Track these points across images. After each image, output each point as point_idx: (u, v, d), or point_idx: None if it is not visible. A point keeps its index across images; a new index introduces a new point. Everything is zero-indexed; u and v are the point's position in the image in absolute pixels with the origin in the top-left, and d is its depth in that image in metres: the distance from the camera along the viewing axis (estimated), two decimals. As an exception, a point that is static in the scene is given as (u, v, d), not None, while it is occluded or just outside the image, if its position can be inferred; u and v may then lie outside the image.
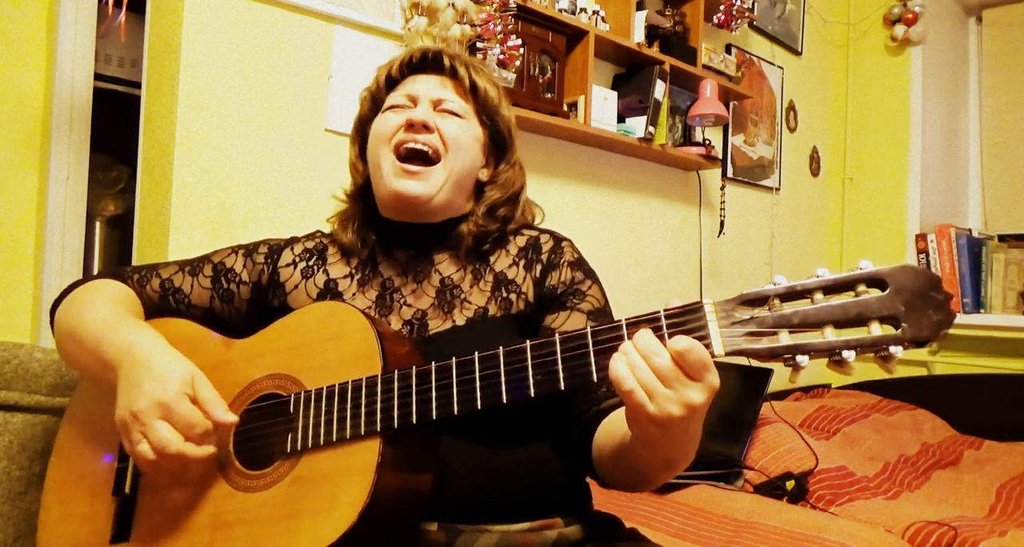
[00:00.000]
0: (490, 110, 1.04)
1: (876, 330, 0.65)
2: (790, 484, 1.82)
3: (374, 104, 1.07)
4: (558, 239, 1.04)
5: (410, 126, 0.98)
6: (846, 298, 0.67)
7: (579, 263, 1.02)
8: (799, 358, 0.67)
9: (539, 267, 1.00)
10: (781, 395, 2.74)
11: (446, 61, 1.03)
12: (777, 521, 1.55)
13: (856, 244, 3.34)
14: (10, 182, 1.65)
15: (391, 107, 1.02)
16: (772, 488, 1.83)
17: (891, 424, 2.46)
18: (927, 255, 3.06)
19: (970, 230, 3.16)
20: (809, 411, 2.43)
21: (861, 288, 0.66)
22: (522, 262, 1.01)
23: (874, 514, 1.70)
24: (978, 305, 3.04)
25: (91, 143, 1.72)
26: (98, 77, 1.84)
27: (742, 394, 2.11)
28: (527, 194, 1.10)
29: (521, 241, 1.04)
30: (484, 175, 1.06)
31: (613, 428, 0.88)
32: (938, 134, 3.29)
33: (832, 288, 0.67)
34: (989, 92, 3.43)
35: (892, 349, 0.65)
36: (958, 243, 3.01)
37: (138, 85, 1.64)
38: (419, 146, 0.98)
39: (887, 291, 0.66)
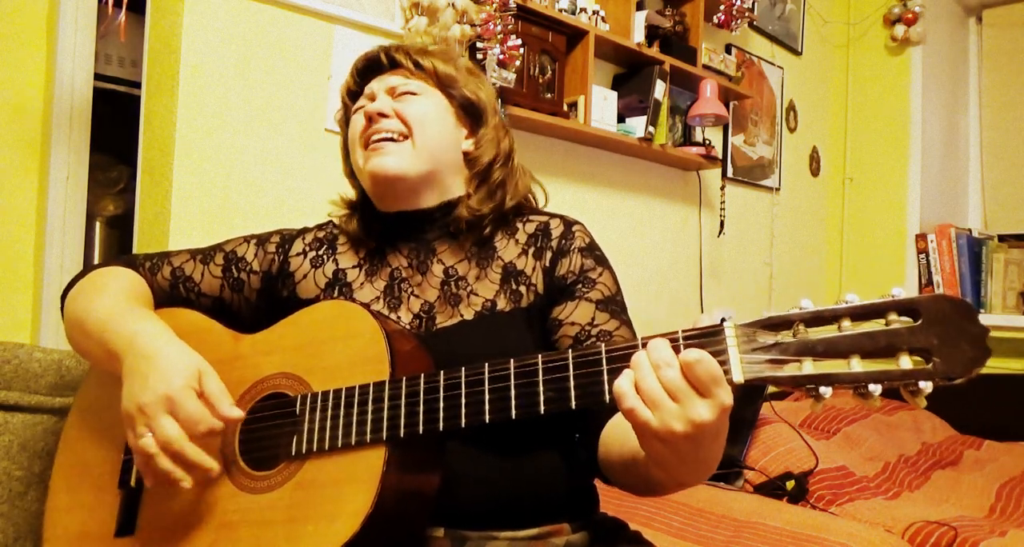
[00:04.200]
0: (447, 82, 1.03)
1: (905, 363, 0.62)
2: (790, 484, 1.82)
3: (348, 122, 1.08)
4: (569, 223, 1.01)
5: (369, 120, 0.99)
6: (875, 326, 0.63)
7: (590, 249, 1.00)
8: (823, 389, 0.63)
9: (549, 254, 0.98)
10: (781, 395, 2.74)
11: (383, 57, 1.03)
12: (777, 521, 1.55)
13: (856, 244, 3.34)
14: (10, 182, 1.65)
15: (355, 111, 1.04)
16: (772, 488, 1.83)
17: (891, 424, 2.46)
18: (927, 255, 3.06)
19: (970, 230, 3.16)
20: (809, 411, 2.42)
21: (892, 316, 0.62)
22: (531, 250, 0.99)
23: (874, 514, 1.69)
24: (978, 305, 3.04)
25: (91, 143, 1.72)
26: (98, 77, 1.84)
27: (742, 394, 2.10)
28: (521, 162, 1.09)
29: (530, 227, 1.01)
30: (469, 145, 1.04)
31: (624, 436, 0.85)
32: (938, 134, 3.29)
33: (861, 315, 0.64)
34: (989, 92, 3.43)
35: (921, 384, 0.61)
36: (958, 243, 3.01)
37: (138, 85, 1.64)
38: (382, 134, 0.98)
39: (919, 321, 0.62)
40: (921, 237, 3.08)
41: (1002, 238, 3.16)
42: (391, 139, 0.98)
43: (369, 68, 1.05)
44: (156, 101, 1.56)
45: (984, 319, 2.85)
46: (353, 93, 1.07)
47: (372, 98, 1.02)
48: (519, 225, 1.02)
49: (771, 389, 2.12)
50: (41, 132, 1.69)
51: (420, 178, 0.98)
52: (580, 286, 0.96)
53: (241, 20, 1.57)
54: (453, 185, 1.02)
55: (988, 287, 3.04)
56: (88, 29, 1.71)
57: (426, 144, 0.98)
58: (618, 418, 0.88)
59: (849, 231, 3.37)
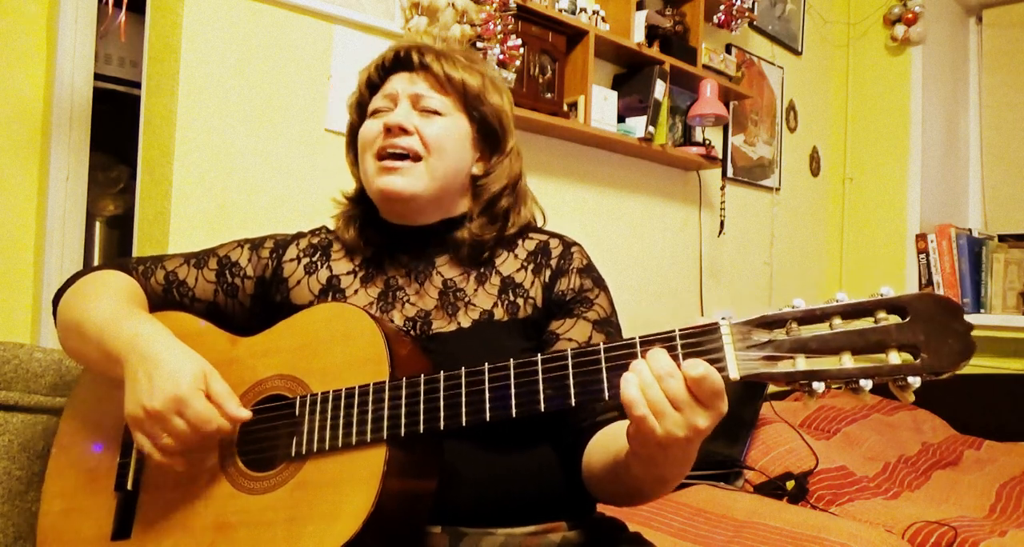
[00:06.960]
0: (472, 101, 1.00)
1: (894, 358, 0.64)
2: (790, 484, 1.82)
3: (361, 111, 1.05)
4: (568, 244, 1.02)
5: (388, 131, 0.97)
6: (865, 324, 0.66)
7: (588, 270, 1.00)
8: (815, 385, 0.66)
9: (548, 272, 0.98)
10: (781, 395, 2.74)
11: (415, 57, 1.00)
12: (777, 521, 1.55)
13: (856, 244, 3.34)
14: (10, 182, 1.65)
15: (374, 112, 1.01)
16: (772, 488, 1.83)
17: (891, 424, 2.46)
18: (927, 255, 3.06)
19: (970, 230, 3.16)
20: (809, 411, 2.43)
21: (880, 314, 0.65)
22: (531, 266, 0.99)
23: (874, 514, 1.70)
24: (978, 305, 3.04)
25: (91, 143, 1.72)
26: (98, 77, 1.84)
27: (742, 394, 2.10)
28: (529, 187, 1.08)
29: (530, 245, 1.02)
30: (478, 169, 1.03)
31: (607, 442, 0.87)
32: (938, 134, 3.29)
33: (851, 313, 0.66)
34: (989, 92, 3.43)
35: (910, 379, 0.64)
36: (958, 243, 3.01)
37: (138, 85, 1.64)
38: (398, 150, 0.96)
39: (907, 319, 0.64)
40: (921, 237, 3.08)
41: (1002, 238, 3.16)
42: (405, 156, 0.97)
43: (397, 63, 1.02)
44: (156, 101, 1.56)
45: (984, 319, 2.85)
46: (373, 84, 1.04)
47: (394, 100, 0.99)
48: (519, 242, 1.02)
49: (771, 389, 2.12)
50: (41, 132, 1.69)
51: (428, 199, 0.98)
52: (579, 305, 0.97)
53: (241, 20, 1.57)
54: (457, 204, 1.02)
55: (988, 287, 3.04)
56: (88, 29, 1.71)
57: (438, 168, 0.97)
58: (600, 435, 0.90)
59: (849, 231, 3.37)
